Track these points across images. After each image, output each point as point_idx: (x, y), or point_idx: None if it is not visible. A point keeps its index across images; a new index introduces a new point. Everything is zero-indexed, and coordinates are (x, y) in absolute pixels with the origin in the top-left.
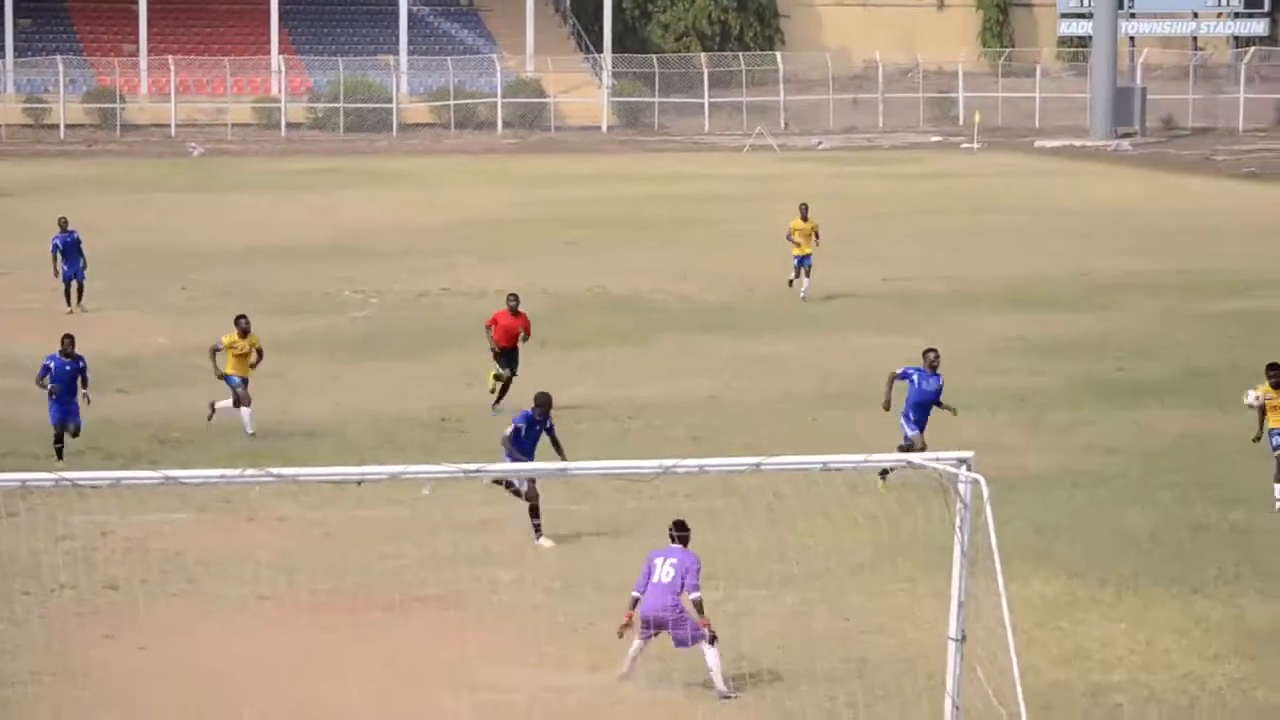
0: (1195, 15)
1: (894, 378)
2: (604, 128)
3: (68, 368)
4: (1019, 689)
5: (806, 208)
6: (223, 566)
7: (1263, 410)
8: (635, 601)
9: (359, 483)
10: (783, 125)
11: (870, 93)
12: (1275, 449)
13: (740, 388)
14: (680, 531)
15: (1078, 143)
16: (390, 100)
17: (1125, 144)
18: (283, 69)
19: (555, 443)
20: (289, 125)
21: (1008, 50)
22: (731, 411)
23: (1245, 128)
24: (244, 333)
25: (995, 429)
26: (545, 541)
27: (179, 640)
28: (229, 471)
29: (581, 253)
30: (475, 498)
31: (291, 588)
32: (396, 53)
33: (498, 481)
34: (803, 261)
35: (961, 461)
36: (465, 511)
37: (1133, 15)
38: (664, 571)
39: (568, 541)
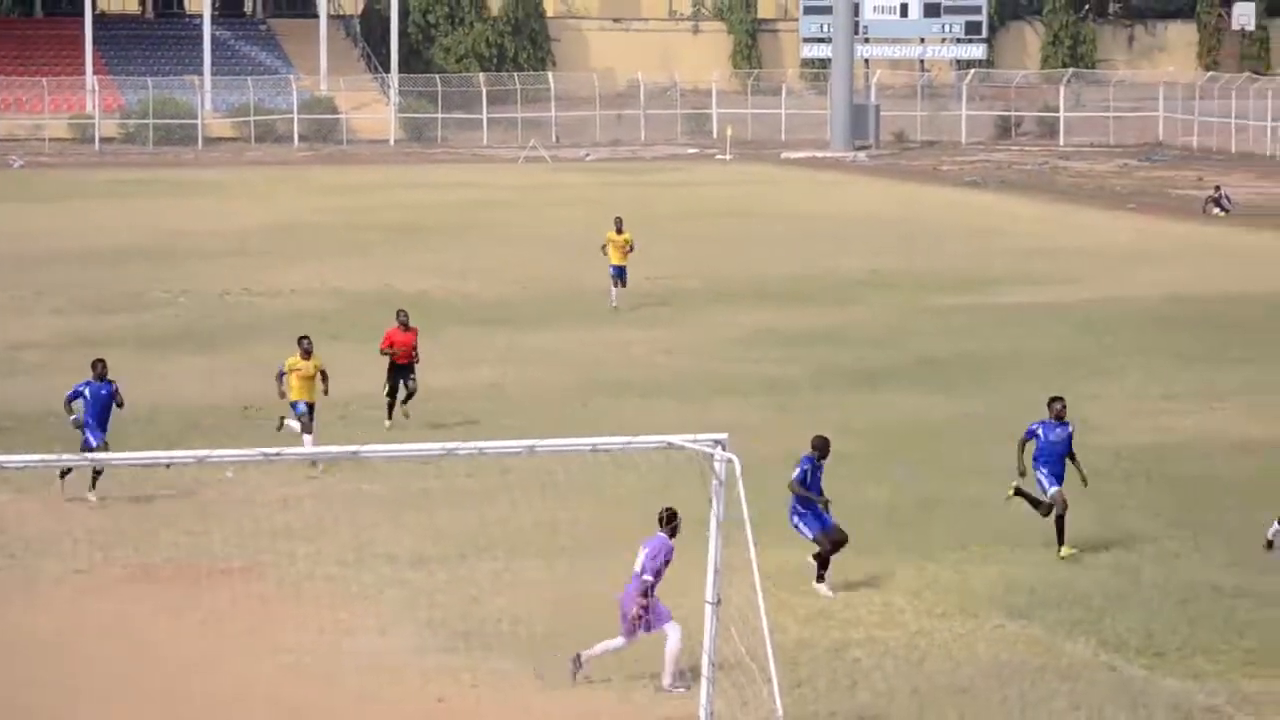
0: (922, 41)
1: (1023, 443)
2: (391, 141)
3: (103, 392)
4: (769, 646)
5: (621, 221)
6: (43, 543)
7: None
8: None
9: (168, 465)
10: (554, 139)
11: (633, 109)
12: None
13: (517, 376)
14: (670, 522)
15: (820, 154)
16: (195, 117)
17: (862, 155)
18: (96, 88)
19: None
20: (102, 140)
21: (756, 71)
22: (509, 398)
23: (967, 141)
24: (306, 354)
25: (748, 412)
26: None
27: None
28: (50, 456)
29: (372, 255)
30: (274, 480)
31: (106, 562)
32: (201, 73)
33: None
34: (619, 272)
35: (717, 442)
36: (265, 492)
37: (867, 40)
38: (637, 560)
39: (360, 517)
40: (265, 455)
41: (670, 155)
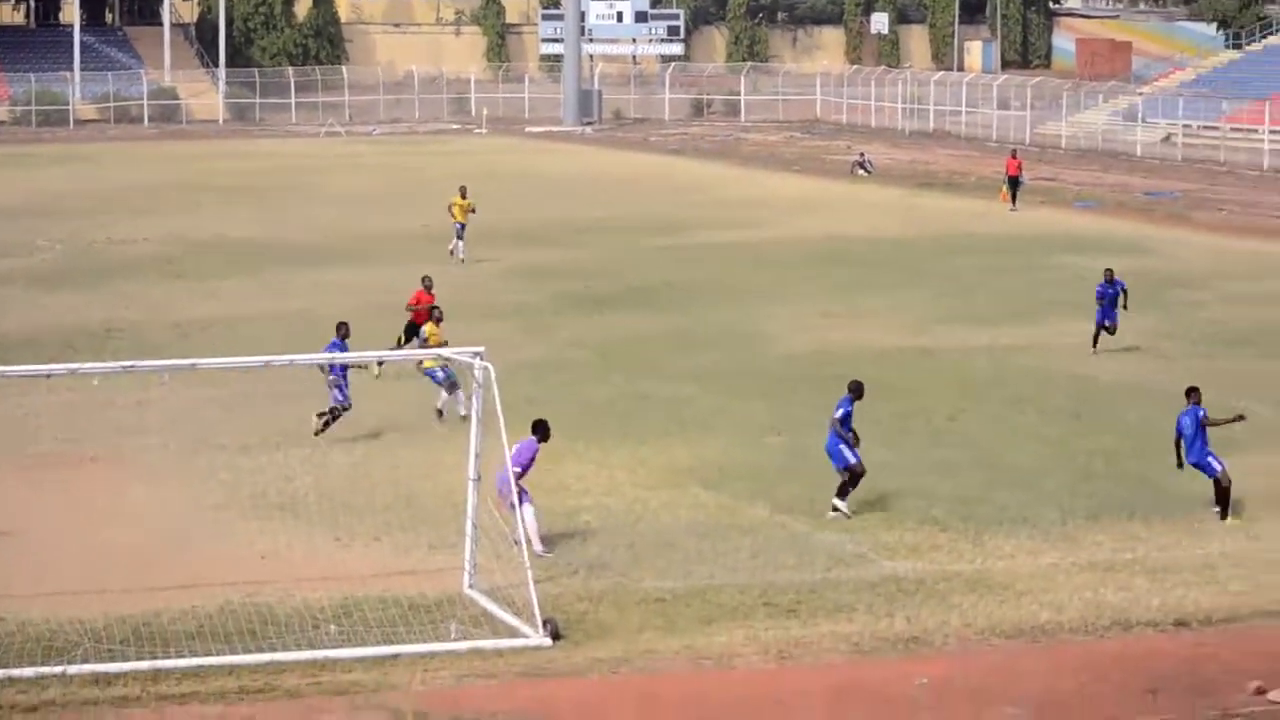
0: (634, 40)
1: (1178, 441)
2: (220, 121)
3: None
4: (517, 512)
5: (465, 189)
6: None
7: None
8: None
9: (49, 376)
10: (348, 118)
11: (409, 94)
12: None
13: (322, 304)
14: (538, 430)
15: (555, 129)
16: (68, 104)
17: (589, 129)
18: None
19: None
20: None
21: (505, 64)
22: (316, 323)
23: (670, 119)
24: (437, 320)
25: (502, 332)
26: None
27: None
28: None
29: (207, 209)
30: (131, 384)
31: (3, 453)
32: (72, 70)
33: None
34: (461, 229)
35: (476, 354)
36: (125, 395)
37: (591, 40)
38: (507, 455)
39: (199, 415)
40: (125, 367)
41: (439, 130)
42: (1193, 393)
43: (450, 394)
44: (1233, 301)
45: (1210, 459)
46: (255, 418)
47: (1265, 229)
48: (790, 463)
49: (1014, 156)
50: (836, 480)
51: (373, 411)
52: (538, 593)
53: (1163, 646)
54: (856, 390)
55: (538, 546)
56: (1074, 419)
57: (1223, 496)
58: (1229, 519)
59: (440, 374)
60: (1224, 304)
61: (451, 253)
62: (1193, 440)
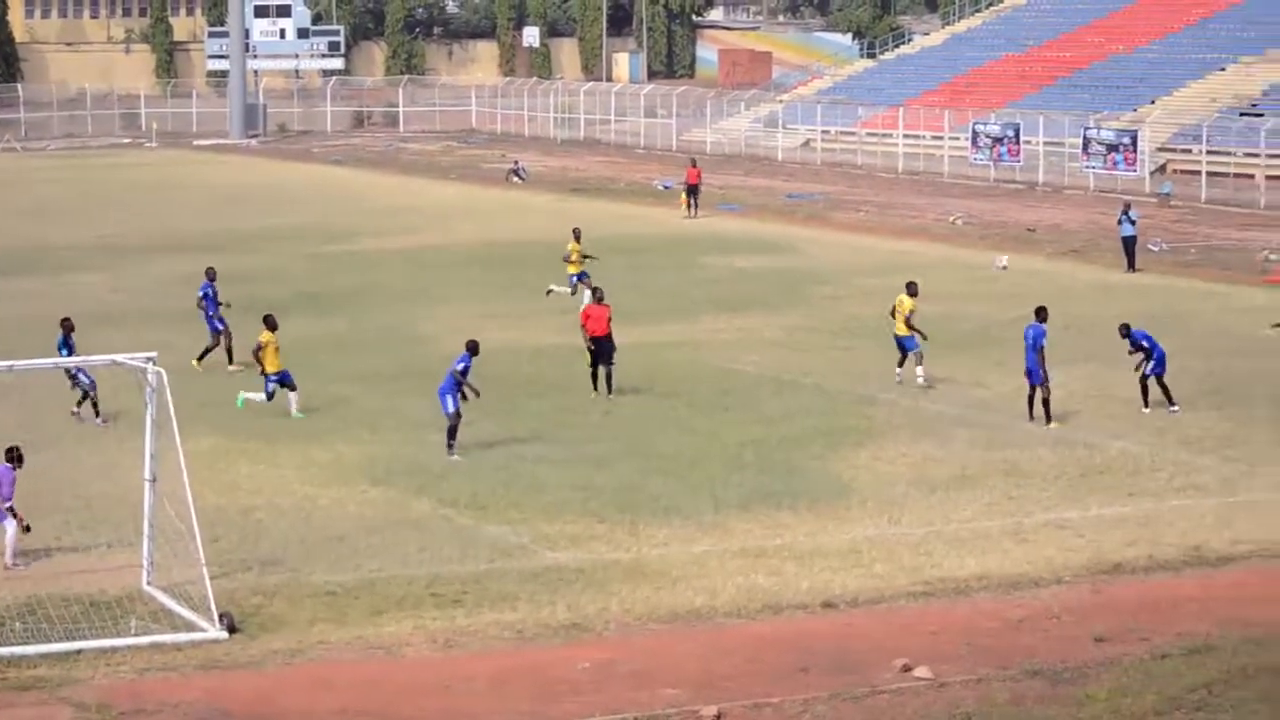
0: (297, 56)
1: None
2: None
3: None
4: (192, 511)
5: (579, 231)
6: None
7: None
8: None
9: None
10: (24, 133)
11: (82, 110)
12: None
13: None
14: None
15: (223, 141)
16: None
17: (254, 142)
18: None
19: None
20: None
21: (174, 80)
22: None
23: (332, 130)
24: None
25: (173, 336)
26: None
27: None
28: None
29: None
30: None
31: None
32: None
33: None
34: (575, 281)
35: (149, 359)
36: None
37: (255, 56)
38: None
39: None
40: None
41: (111, 144)
42: (1041, 311)
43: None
44: (868, 295)
45: (1035, 369)
46: None
47: (899, 228)
48: (452, 460)
49: (694, 165)
50: (495, 477)
51: (54, 418)
52: (214, 588)
53: (813, 627)
54: (473, 348)
55: (9, 559)
56: (723, 411)
57: (1046, 405)
58: (1052, 424)
59: (270, 384)
60: (860, 298)
61: (572, 292)
62: (1029, 351)
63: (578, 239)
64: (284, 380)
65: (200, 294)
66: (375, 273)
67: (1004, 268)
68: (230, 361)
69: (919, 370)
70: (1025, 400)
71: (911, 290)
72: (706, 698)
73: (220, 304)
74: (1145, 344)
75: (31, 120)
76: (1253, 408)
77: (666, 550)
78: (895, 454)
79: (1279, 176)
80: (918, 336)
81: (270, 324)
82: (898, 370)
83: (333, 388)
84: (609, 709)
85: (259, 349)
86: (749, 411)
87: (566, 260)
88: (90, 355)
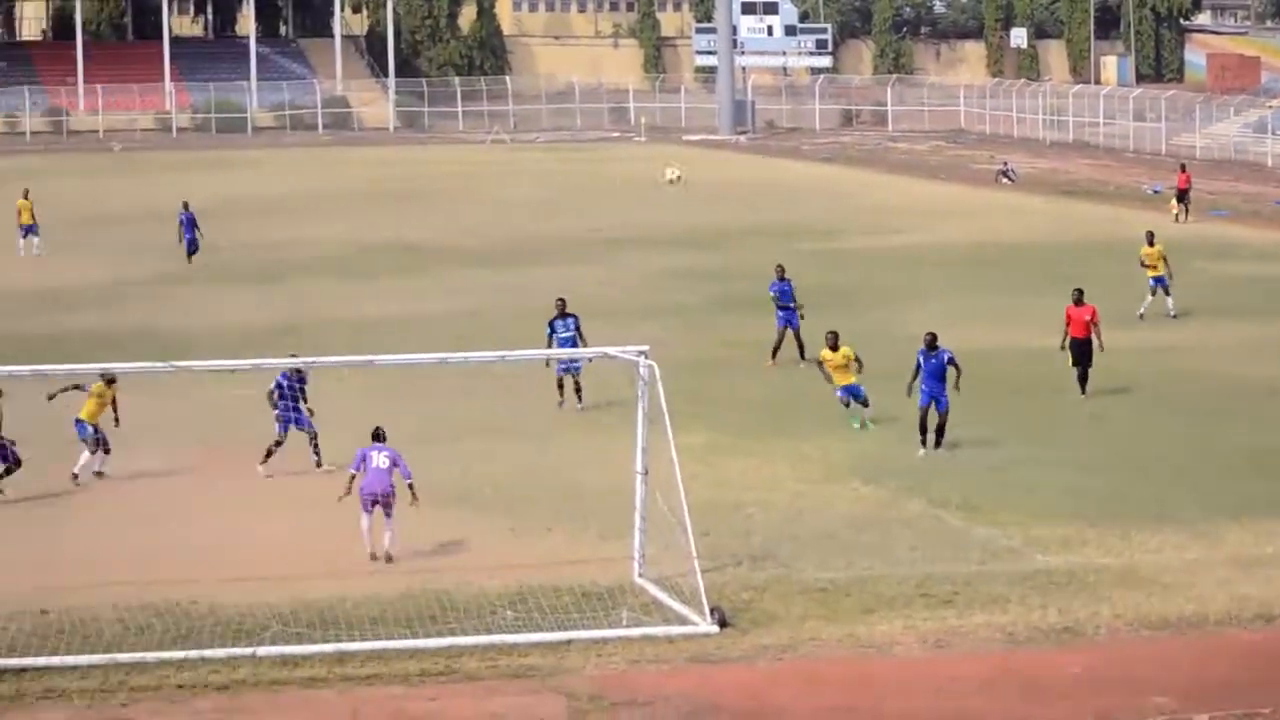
0: (784, 53)
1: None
2: (391, 128)
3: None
4: (684, 506)
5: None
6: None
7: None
8: (353, 479)
9: (233, 371)
10: (512, 126)
11: (570, 104)
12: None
13: (491, 304)
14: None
15: (711, 137)
16: (246, 112)
17: (742, 138)
18: (173, 92)
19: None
20: (178, 130)
21: (662, 75)
22: (486, 321)
23: (821, 128)
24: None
25: (663, 331)
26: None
27: None
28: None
29: (379, 213)
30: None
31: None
32: (249, 79)
33: None
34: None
35: (640, 352)
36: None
37: (743, 53)
38: (379, 460)
39: (375, 408)
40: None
41: (599, 138)
42: None
43: (92, 454)
44: None
45: None
46: (430, 410)
47: None
48: (945, 459)
49: (1184, 170)
50: (985, 478)
51: (537, 409)
52: (704, 582)
53: None
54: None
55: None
56: (1217, 417)
57: None
58: None
59: (88, 430)
60: None
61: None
62: None
63: (1150, 243)
64: (855, 393)
65: (772, 292)
66: (862, 269)
67: None
68: (801, 357)
69: None
70: None
71: None
72: (1197, 706)
73: (794, 305)
74: None
75: (520, 113)
76: None
77: (1158, 556)
78: None
79: None
80: None
81: (831, 343)
82: None
83: (822, 384)
84: (1100, 714)
85: (820, 363)
86: (1246, 419)
87: (1143, 265)
88: (585, 348)
